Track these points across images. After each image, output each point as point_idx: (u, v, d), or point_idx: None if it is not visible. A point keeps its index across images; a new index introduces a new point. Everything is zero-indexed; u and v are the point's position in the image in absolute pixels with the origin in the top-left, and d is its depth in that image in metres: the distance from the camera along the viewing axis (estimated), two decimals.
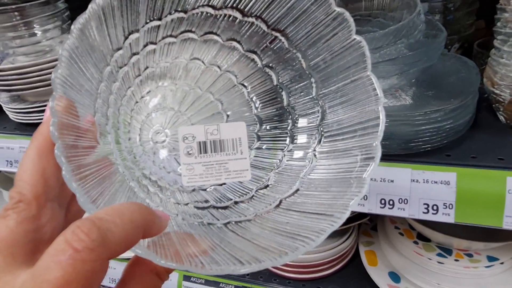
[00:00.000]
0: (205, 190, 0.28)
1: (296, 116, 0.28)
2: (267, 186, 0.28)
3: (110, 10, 0.22)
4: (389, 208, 0.45)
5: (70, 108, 0.20)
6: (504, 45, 0.43)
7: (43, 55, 0.65)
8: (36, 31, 0.63)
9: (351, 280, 0.64)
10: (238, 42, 0.28)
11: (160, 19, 0.25)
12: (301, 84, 0.28)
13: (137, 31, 0.25)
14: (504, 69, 0.43)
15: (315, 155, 0.27)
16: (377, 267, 0.63)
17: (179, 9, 0.25)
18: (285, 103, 0.28)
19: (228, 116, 0.29)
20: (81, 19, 0.21)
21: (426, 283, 0.57)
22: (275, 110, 0.29)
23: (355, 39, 0.24)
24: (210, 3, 0.26)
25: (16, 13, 0.61)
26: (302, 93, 0.28)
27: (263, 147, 0.29)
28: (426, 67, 0.46)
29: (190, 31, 0.27)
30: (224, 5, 0.26)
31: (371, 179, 0.46)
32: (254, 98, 0.29)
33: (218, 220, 0.26)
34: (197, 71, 0.28)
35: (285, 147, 0.29)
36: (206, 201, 0.27)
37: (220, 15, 0.26)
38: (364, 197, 0.46)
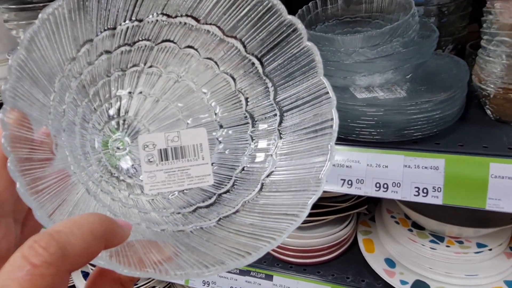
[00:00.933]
0: (167, 197, 0.28)
1: (256, 120, 0.29)
2: (230, 190, 0.28)
3: (61, 19, 0.22)
4: (383, 191, 0.49)
5: (22, 120, 0.19)
6: (489, 44, 0.47)
7: None
8: None
9: (349, 265, 0.68)
10: (195, 49, 0.29)
11: (114, 28, 0.25)
12: (259, 89, 0.29)
13: (91, 40, 0.25)
14: (490, 66, 0.48)
15: (275, 157, 0.28)
16: (374, 254, 0.67)
17: (134, 18, 0.26)
18: (244, 108, 0.29)
19: (188, 123, 0.29)
20: (30, 29, 0.20)
21: (419, 267, 0.61)
22: (235, 115, 0.29)
23: (306, 45, 0.26)
24: (164, 12, 0.26)
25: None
26: (260, 98, 0.29)
27: (225, 152, 0.29)
28: (420, 64, 0.50)
29: (147, 39, 0.27)
30: (179, 14, 0.27)
31: (368, 165, 0.50)
32: (213, 104, 0.29)
33: (183, 225, 0.26)
34: (155, 79, 0.29)
35: (246, 150, 0.29)
36: (169, 208, 0.27)
37: (176, 23, 0.27)
38: (360, 181, 0.50)
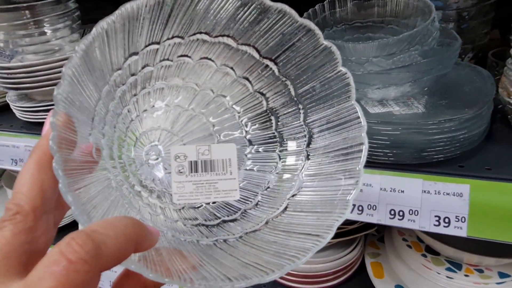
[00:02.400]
0: (195, 208, 0.28)
1: (285, 139, 0.30)
2: (255, 206, 0.29)
3: (113, 33, 0.23)
4: (398, 219, 0.44)
5: (69, 123, 0.20)
6: None
7: (52, 54, 0.65)
8: (46, 30, 0.63)
9: None
10: (231, 68, 0.29)
11: (158, 43, 0.27)
12: (290, 110, 0.29)
13: (137, 53, 0.26)
14: None
15: (301, 178, 0.29)
16: (384, 280, 0.62)
17: (177, 35, 0.27)
18: (274, 127, 0.30)
19: (219, 137, 0.30)
20: (86, 40, 0.22)
21: None
22: (265, 133, 0.30)
23: (340, 70, 0.26)
24: (206, 31, 0.27)
25: (27, 11, 0.61)
26: (290, 118, 0.30)
27: (253, 168, 0.30)
28: (440, 76, 0.45)
29: (187, 55, 0.28)
30: (220, 34, 0.28)
31: (381, 189, 0.45)
32: (244, 121, 0.30)
33: (207, 237, 0.26)
34: (191, 94, 0.30)
35: (273, 169, 0.30)
36: (195, 219, 0.28)
37: (215, 42, 0.28)
38: (373, 206, 0.45)
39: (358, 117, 0.26)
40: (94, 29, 0.22)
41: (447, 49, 0.48)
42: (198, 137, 0.30)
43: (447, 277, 0.56)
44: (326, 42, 0.26)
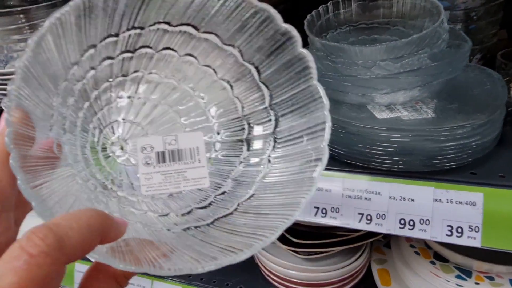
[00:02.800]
0: (163, 198, 0.29)
1: (251, 124, 0.30)
2: (225, 192, 0.29)
3: (67, 24, 0.22)
4: (409, 229, 0.42)
5: (25, 119, 0.20)
6: None
7: None
8: None
9: None
10: (194, 57, 0.29)
11: (117, 35, 0.26)
12: (255, 95, 0.29)
13: (95, 46, 0.26)
14: None
15: (269, 160, 0.29)
16: None
17: (136, 26, 0.27)
18: (240, 113, 0.30)
19: (185, 127, 0.30)
20: (38, 32, 0.21)
21: None
22: (231, 120, 0.30)
23: (301, 52, 0.26)
24: (166, 20, 0.27)
25: (21, 15, 0.59)
26: (256, 103, 0.30)
27: (220, 155, 0.30)
28: (450, 80, 0.43)
29: (148, 46, 0.28)
30: (180, 23, 0.27)
31: (390, 197, 0.43)
32: (210, 110, 0.30)
33: (177, 225, 0.27)
34: (154, 85, 0.29)
35: (241, 154, 0.30)
36: (165, 209, 0.28)
37: (176, 32, 0.28)
38: (382, 216, 0.43)
39: (321, 97, 0.26)
40: (46, 21, 0.21)
41: (456, 51, 0.46)
42: (164, 128, 0.29)
43: (457, 285, 0.54)
44: (285, 25, 0.26)
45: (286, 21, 0.26)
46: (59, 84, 0.24)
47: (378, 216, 0.43)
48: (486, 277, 0.55)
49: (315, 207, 0.46)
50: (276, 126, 0.29)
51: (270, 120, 0.29)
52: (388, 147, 0.40)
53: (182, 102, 0.30)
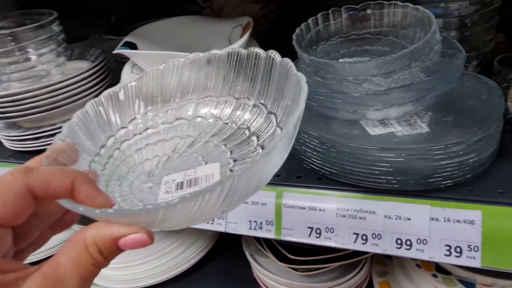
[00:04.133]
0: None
1: (259, 135, 0.32)
2: None
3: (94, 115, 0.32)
4: (406, 249, 0.41)
5: (71, 147, 0.27)
6: None
7: (38, 80, 0.63)
8: (30, 56, 0.61)
9: None
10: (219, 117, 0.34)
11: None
12: (268, 127, 0.32)
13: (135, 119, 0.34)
14: None
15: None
16: None
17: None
18: (256, 143, 0.32)
19: (205, 162, 0.32)
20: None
21: None
22: (242, 142, 0.32)
23: (296, 74, 0.28)
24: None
25: (10, 38, 0.59)
26: (267, 129, 0.32)
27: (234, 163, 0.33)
28: (445, 93, 0.42)
29: (166, 122, 0.35)
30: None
31: (386, 216, 0.42)
32: (228, 148, 0.33)
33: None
34: (181, 138, 0.34)
35: (252, 144, 0.32)
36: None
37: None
38: (377, 235, 0.42)
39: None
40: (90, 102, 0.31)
41: (450, 61, 0.45)
42: (188, 167, 0.31)
43: None
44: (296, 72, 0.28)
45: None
46: (107, 140, 0.32)
47: (373, 236, 0.42)
48: None
49: (309, 227, 0.45)
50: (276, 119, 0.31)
51: (271, 121, 0.31)
52: (382, 167, 0.38)
53: (203, 149, 0.33)
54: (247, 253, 0.64)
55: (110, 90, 0.33)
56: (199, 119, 0.34)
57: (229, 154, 0.32)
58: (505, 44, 0.61)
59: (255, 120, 0.32)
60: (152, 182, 0.30)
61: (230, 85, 0.34)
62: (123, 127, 0.33)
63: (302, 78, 0.26)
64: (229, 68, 0.33)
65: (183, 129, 0.34)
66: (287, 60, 0.29)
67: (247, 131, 0.32)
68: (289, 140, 0.24)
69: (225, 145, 0.32)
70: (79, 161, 0.27)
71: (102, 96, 0.32)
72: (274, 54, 0.30)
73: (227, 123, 0.34)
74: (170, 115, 0.35)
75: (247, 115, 0.33)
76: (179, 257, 0.73)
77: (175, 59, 0.34)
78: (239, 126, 0.33)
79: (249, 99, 0.33)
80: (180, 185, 0.29)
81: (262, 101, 0.32)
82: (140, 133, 0.34)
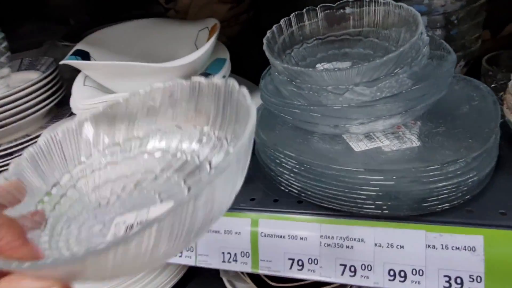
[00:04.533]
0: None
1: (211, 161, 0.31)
2: None
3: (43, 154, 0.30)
4: (400, 281, 0.36)
5: (17, 185, 0.26)
6: None
7: None
8: None
9: None
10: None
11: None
12: (216, 150, 0.30)
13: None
14: None
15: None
16: None
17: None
18: (209, 170, 0.30)
19: (161, 199, 0.30)
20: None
21: None
22: (193, 169, 0.31)
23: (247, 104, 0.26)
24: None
25: None
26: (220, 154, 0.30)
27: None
28: (435, 102, 0.37)
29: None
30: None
31: (376, 244, 0.37)
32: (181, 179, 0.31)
33: None
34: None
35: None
36: None
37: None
38: (367, 266, 0.37)
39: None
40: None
41: (439, 64, 0.40)
42: (141, 204, 0.30)
43: None
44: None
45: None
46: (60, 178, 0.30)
47: (363, 267, 0.37)
48: None
49: (289, 259, 0.39)
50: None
51: (222, 144, 0.30)
52: (369, 191, 0.33)
53: (160, 185, 0.31)
54: (224, 280, 0.58)
55: (68, 124, 0.31)
56: (159, 153, 0.32)
57: (186, 191, 0.29)
58: (491, 42, 0.58)
59: (215, 155, 0.30)
60: (104, 223, 0.29)
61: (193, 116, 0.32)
62: (80, 163, 0.31)
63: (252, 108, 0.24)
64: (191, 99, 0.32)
65: (146, 163, 0.32)
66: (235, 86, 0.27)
67: (208, 166, 0.30)
68: (230, 179, 0.22)
69: (184, 181, 0.30)
70: (26, 201, 0.27)
71: (59, 130, 0.30)
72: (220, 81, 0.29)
73: (192, 158, 0.32)
74: (133, 148, 0.33)
75: (206, 149, 0.31)
76: (152, 284, 0.67)
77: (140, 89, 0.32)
78: (201, 161, 0.31)
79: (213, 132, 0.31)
80: (130, 228, 0.28)
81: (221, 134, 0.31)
82: (99, 169, 0.32)
